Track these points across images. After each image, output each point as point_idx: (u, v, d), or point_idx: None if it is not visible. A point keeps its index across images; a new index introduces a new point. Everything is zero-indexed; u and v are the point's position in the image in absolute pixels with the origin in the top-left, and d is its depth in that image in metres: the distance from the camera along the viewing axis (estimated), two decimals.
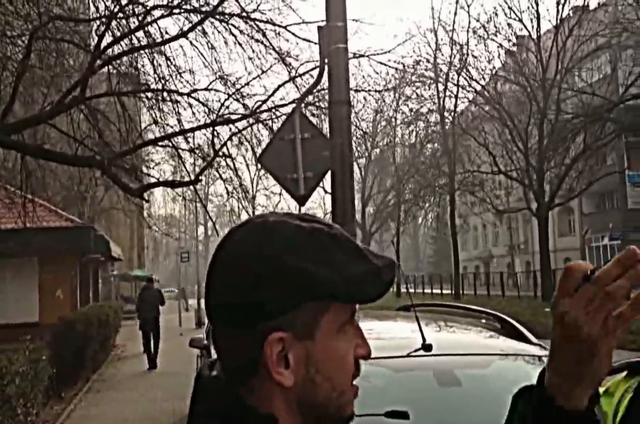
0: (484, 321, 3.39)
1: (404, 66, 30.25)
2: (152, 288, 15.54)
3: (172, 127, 11.81)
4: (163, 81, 11.21)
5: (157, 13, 10.71)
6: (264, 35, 10.83)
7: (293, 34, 10.71)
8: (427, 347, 2.45)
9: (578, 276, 0.78)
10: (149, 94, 11.52)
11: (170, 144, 11.77)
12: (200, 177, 11.25)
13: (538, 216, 29.25)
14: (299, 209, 7.61)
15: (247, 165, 27.55)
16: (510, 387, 2.76)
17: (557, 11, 29.64)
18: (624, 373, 1.14)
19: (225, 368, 0.86)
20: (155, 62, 11.18)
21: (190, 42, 11.24)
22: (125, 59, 11.19)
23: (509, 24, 31.05)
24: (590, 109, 26.54)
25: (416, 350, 2.48)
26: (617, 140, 28.70)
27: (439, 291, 41.53)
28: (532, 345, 2.84)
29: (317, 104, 11.18)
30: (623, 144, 31.93)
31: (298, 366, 0.82)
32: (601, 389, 1.14)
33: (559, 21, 29.35)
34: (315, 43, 6.02)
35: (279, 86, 10.80)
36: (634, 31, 26.00)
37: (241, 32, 10.94)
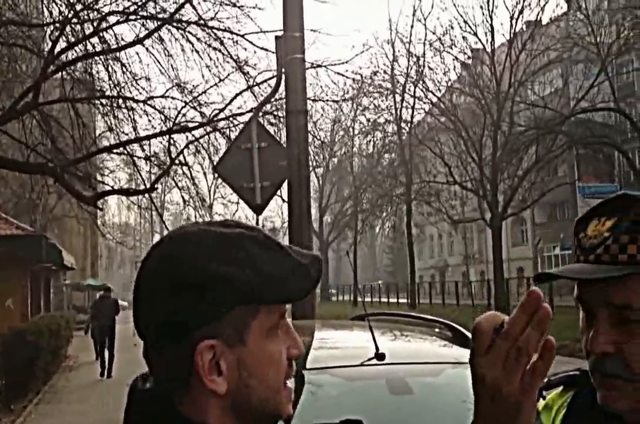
0: (437, 330, 3.43)
1: (361, 77, 30.53)
2: (109, 297, 15.64)
3: (127, 134, 11.69)
4: (118, 88, 11.11)
5: (112, 19, 10.62)
6: (222, 43, 10.83)
7: (251, 42, 10.74)
8: (380, 356, 2.47)
9: (489, 331, 0.75)
10: (104, 101, 11.40)
11: (126, 152, 11.64)
12: (156, 186, 11.16)
13: (492, 226, 29.75)
14: (257, 219, 7.59)
15: (205, 173, 27.35)
16: (461, 394, 2.81)
17: (511, 25, 30.36)
18: (561, 387, 1.17)
19: (158, 380, 0.85)
20: (110, 68, 11.07)
21: (147, 49, 11.17)
22: (79, 64, 11.06)
23: (464, 37, 31.65)
24: (542, 122, 27.16)
25: (369, 359, 2.50)
26: (568, 152, 29.41)
27: (395, 300, 41.79)
28: None
29: (274, 113, 11.21)
30: (574, 156, 32.71)
31: (231, 372, 0.82)
32: (541, 403, 1.16)
33: (512, 35, 30.02)
34: (273, 52, 6.03)
35: (237, 95, 10.81)
36: (585, 46, 26.77)
37: (198, 39, 10.92)
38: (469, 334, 2.62)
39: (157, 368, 0.85)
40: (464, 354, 2.86)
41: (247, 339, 0.83)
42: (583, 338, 1.02)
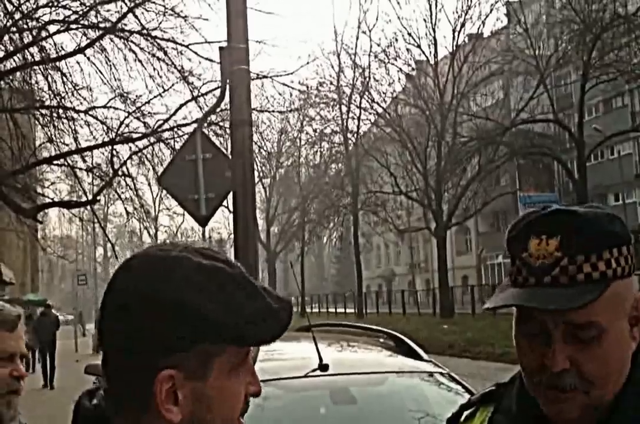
0: (381, 340, 3.46)
1: (307, 88, 30.72)
2: (50, 314, 16.39)
3: (68, 145, 11.45)
4: (59, 98, 10.88)
5: (52, 28, 10.43)
6: (166, 53, 10.75)
7: (195, 53, 10.69)
8: (323, 367, 2.48)
9: None
10: (44, 111, 11.15)
11: (66, 163, 11.40)
12: (98, 197, 10.96)
13: (436, 236, 30.19)
14: (202, 230, 7.49)
15: (149, 185, 27.04)
16: (403, 402, 2.84)
17: (453, 38, 31.05)
18: (477, 406, 1.18)
19: (114, 401, 0.85)
20: (50, 78, 10.85)
21: (88, 59, 11.00)
22: (18, 74, 10.79)
23: (408, 50, 32.19)
24: (484, 133, 27.79)
25: (313, 370, 2.51)
26: (509, 162, 30.14)
27: (342, 310, 41.90)
28: (424, 362, 2.93)
29: (220, 124, 11.16)
30: (515, 167, 33.55)
31: (187, 404, 0.83)
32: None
33: (454, 48, 30.69)
34: (218, 63, 6.02)
35: (181, 105, 10.73)
36: (524, 59, 27.55)
37: (142, 49, 10.81)
38: (412, 344, 2.66)
39: (116, 388, 0.85)
40: (407, 363, 2.91)
41: (208, 374, 0.83)
42: (527, 356, 1.02)
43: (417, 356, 2.96)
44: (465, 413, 1.19)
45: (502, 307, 1.02)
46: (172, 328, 0.81)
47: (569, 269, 0.98)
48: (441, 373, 2.84)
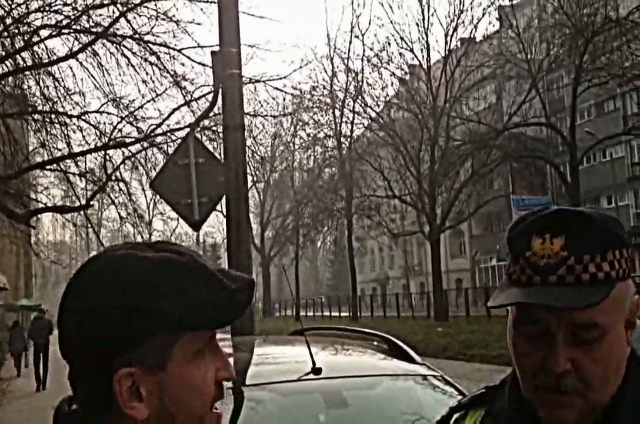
0: (375, 343, 3.47)
1: (300, 92, 30.71)
2: (43, 318, 17.40)
3: (60, 150, 11.44)
4: (51, 103, 10.87)
5: (44, 33, 10.41)
6: (158, 58, 10.75)
7: (188, 57, 10.70)
8: (316, 370, 2.48)
9: None
10: (36, 116, 11.13)
11: (59, 168, 11.38)
12: (91, 202, 10.93)
13: (430, 239, 30.23)
14: (197, 235, 7.49)
15: (143, 189, 26.99)
16: (397, 405, 2.84)
17: (446, 42, 31.13)
18: (467, 409, 1.17)
19: (81, 403, 0.86)
20: (42, 83, 10.83)
21: (81, 63, 10.99)
22: (10, 79, 10.77)
23: (400, 54, 32.25)
24: (477, 137, 27.85)
25: (306, 374, 2.51)
26: (502, 166, 30.22)
27: (337, 314, 41.88)
28: (417, 365, 2.93)
29: (213, 128, 11.16)
30: (508, 170, 33.64)
31: (151, 398, 0.83)
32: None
33: (447, 52, 30.78)
34: (210, 67, 6.02)
35: (174, 110, 10.74)
36: (516, 63, 27.64)
37: (134, 54, 10.81)
38: (406, 347, 2.66)
39: (80, 392, 0.85)
40: (401, 366, 2.91)
41: (167, 365, 0.83)
42: (525, 358, 1.01)
43: (410, 359, 2.96)
44: (455, 416, 1.19)
45: (508, 305, 1.02)
46: (120, 327, 0.81)
47: (576, 269, 0.98)
48: (434, 376, 2.84)
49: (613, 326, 0.99)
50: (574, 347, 0.98)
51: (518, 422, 1.06)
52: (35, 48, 10.47)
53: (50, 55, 10.63)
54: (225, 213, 5.84)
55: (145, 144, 11.21)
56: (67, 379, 0.86)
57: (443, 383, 2.79)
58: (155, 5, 10.61)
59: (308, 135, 38.76)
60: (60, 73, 11.13)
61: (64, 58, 10.56)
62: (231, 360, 0.91)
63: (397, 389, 2.83)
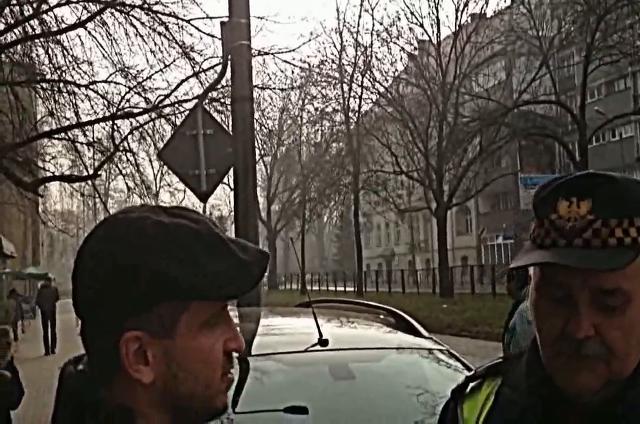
0: (381, 316, 3.48)
1: (309, 66, 30.48)
2: (50, 286, 18.24)
3: (68, 119, 11.40)
4: (59, 72, 10.82)
5: (53, 1, 10.32)
6: (167, 28, 10.66)
7: (197, 28, 10.60)
8: (323, 342, 2.49)
9: None
10: (45, 85, 11.08)
11: (67, 137, 11.37)
12: (99, 172, 10.93)
13: (437, 216, 30.20)
14: (203, 206, 7.51)
15: (150, 160, 26.97)
16: (402, 378, 2.86)
17: (456, 18, 30.72)
18: (483, 378, 1.16)
19: (91, 362, 0.86)
20: (51, 51, 10.77)
21: (89, 32, 10.91)
22: (19, 47, 10.70)
23: (410, 29, 31.90)
24: (486, 114, 27.62)
25: (313, 345, 2.52)
26: (510, 143, 30.02)
27: (342, 289, 42.10)
28: (423, 339, 2.95)
29: (221, 100, 11.09)
30: (516, 148, 33.43)
31: (158, 363, 0.83)
32: (466, 395, 1.17)
33: (457, 28, 30.39)
34: (219, 38, 5.96)
35: (182, 81, 10.67)
36: (527, 40, 27.29)
37: (142, 24, 10.72)
38: (413, 321, 2.66)
39: (90, 351, 0.86)
40: (407, 340, 2.92)
41: (175, 332, 0.83)
42: (547, 322, 0.99)
43: (416, 333, 2.97)
44: (471, 385, 1.17)
45: (530, 265, 1.00)
46: (130, 290, 0.81)
47: (602, 233, 0.95)
48: (440, 350, 2.86)
49: (638, 294, 0.96)
50: (597, 313, 0.96)
51: (536, 392, 1.05)
52: (44, 16, 10.40)
53: (58, 24, 10.56)
54: (232, 186, 5.84)
55: (153, 115, 11.17)
56: (79, 335, 0.87)
57: (449, 357, 2.81)
58: None
59: (316, 109, 38.57)
60: (68, 42, 11.08)
61: (73, 27, 10.47)
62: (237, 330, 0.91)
63: (403, 362, 2.85)
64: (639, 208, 0.97)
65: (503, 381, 1.13)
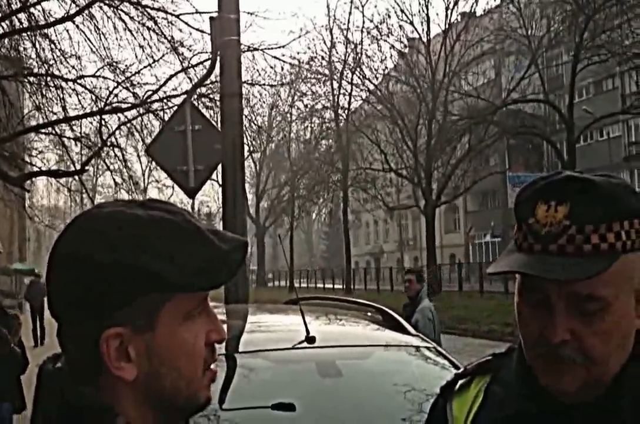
0: (369, 314, 3.48)
1: (299, 62, 30.42)
2: (38, 282, 18.71)
3: (56, 114, 11.33)
4: (47, 66, 10.73)
5: None
6: (156, 23, 10.61)
7: (186, 23, 10.56)
8: (310, 339, 2.48)
9: None
10: (32, 79, 10.99)
11: (54, 132, 11.28)
12: (86, 167, 10.87)
13: (425, 213, 30.27)
14: (192, 203, 7.47)
15: (138, 156, 26.85)
16: (390, 375, 2.86)
17: (446, 16, 30.76)
18: (472, 376, 1.16)
19: (71, 364, 0.84)
20: (38, 45, 10.67)
21: (77, 26, 10.83)
22: (6, 41, 10.61)
23: (400, 26, 31.90)
24: (475, 112, 27.70)
25: (300, 342, 2.51)
26: (499, 142, 30.13)
27: (331, 286, 42.12)
28: (411, 336, 2.94)
29: (210, 96, 11.05)
30: (504, 146, 33.55)
31: (140, 359, 0.81)
32: (455, 392, 1.16)
33: (447, 26, 30.44)
34: (209, 34, 5.93)
35: (171, 76, 10.63)
36: (516, 39, 27.38)
37: (131, 18, 10.66)
38: (400, 318, 2.66)
39: (69, 350, 0.84)
40: (394, 337, 2.91)
41: (156, 326, 0.81)
42: (528, 326, 0.99)
43: (404, 330, 2.97)
44: (460, 382, 1.17)
45: (504, 273, 0.99)
46: (108, 284, 0.79)
47: (576, 239, 0.94)
48: (428, 348, 2.85)
49: (617, 299, 0.96)
50: (574, 318, 0.96)
51: (524, 390, 1.05)
52: (32, 10, 10.30)
53: (46, 18, 10.47)
54: (221, 182, 5.82)
55: (142, 110, 11.12)
56: (56, 335, 0.85)
57: (436, 355, 2.80)
58: None
59: (305, 106, 38.53)
60: (56, 36, 10.99)
61: (61, 20, 10.40)
62: (224, 327, 0.89)
63: (390, 359, 2.84)
64: (618, 212, 0.96)
65: (492, 378, 1.13)
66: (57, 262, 0.83)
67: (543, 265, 0.94)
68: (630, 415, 0.98)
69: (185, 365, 0.83)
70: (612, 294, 0.95)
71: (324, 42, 35.57)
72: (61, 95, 10.99)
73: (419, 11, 38.90)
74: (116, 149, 11.83)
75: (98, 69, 11.36)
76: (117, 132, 11.48)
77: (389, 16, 31.90)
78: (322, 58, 35.13)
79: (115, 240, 0.80)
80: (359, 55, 33.24)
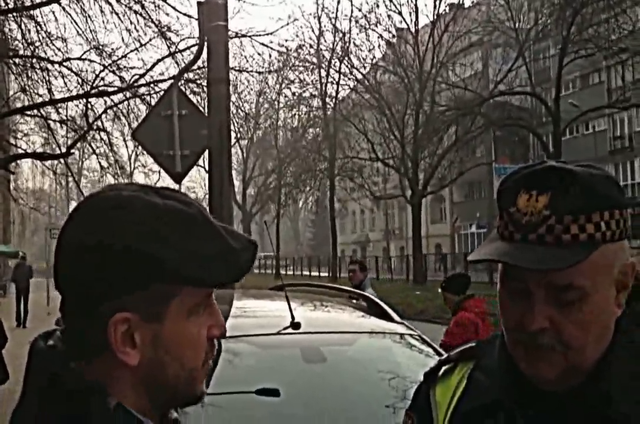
0: (354, 301, 3.48)
1: (287, 50, 30.27)
2: (24, 265, 19.23)
3: (41, 96, 11.19)
4: (32, 48, 10.58)
5: None
6: (143, 6, 10.50)
7: (173, 8, 10.46)
8: (295, 325, 2.49)
9: None
10: (17, 60, 10.85)
11: (40, 114, 11.15)
12: (72, 150, 10.77)
13: (412, 203, 30.35)
14: (179, 188, 7.42)
15: (125, 141, 26.65)
16: (374, 362, 2.87)
17: (435, 6, 30.67)
18: (456, 362, 1.17)
19: (69, 342, 0.84)
20: (24, 27, 10.52)
21: (63, 8, 10.68)
22: None
23: (389, 16, 31.84)
24: (462, 103, 27.71)
25: (285, 328, 2.52)
26: (485, 133, 30.21)
27: (317, 274, 42.20)
28: (395, 324, 2.96)
29: (197, 81, 10.98)
30: (491, 138, 33.65)
31: (145, 346, 0.82)
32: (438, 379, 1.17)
33: (435, 16, 30.38)
34: (196, 19, 5.88)
35: (158, 61, 10.53)
36: (504, 31, 27.39)
37: (118, 1, 10.55)
38: (385, 306, 2.67)
39: (72, 332, 0.84)
40: (379, 324, 2.93)
41: (164, 317, 0.82)
42: (508, 313, 1.01)
43: (388, 318, 2.98)
44: (444, 368, 1.18)
45: (483, 261, 1.00)
46: (122, 269, 0.79)
47: (555, 229, 0.95)
48: (412, 335, 2.87)
49: (596, 289, 0.96)
50: (553, 307, 0.97)
51: (507, 375, 1.06)
52: None
53: None
54: (207, 168, 5.79)
55: (128, 94, 11.02)
56: (59, 310, 0.84)
57: (420, 342, 2.82)
58: None
59: (293, 94, 38.36)
60: (42, 17, 10.84)
61: (47, 2, 10.25)
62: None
63: (374, 346, 2.86)
64: (598, 203, 0.96)
65: (475, 365, 1.13)
66: (71, 237, 0.83)
67: (522, 254, 0.95)
68: (620, 399, 0.99)
69: (188, 356, 0.85)
70: (591, 284, 0.96)
71: (312, 30, 35.56)
72: (47, 78, 10.88)
73: (408, 1, 38.75)
74: (102, 133, 11.75)
75: (84, 52, 11.27)
76: (104, 116, 11.39)
77: (378, 6, 31.85)
78: (310, 46, 35.02)
79: (133, 226, 0.80)
80: (347, 44, 33.15)
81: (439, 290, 5.56)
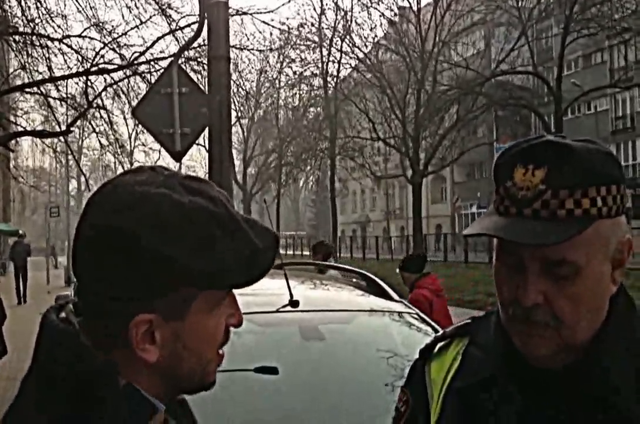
0: (353, 280, 3.50)
1: (288, 28, 30.00)
2: (22, 243, 19.42)
3: (41, 73, 11.13)
4: (32, 25, 10.49)
5: None
6: None
7: None
8: (294, 303, 2.50)
9: None
10: (17, 37, 10.76)
11: (40, 92, 11.09)
12: (71, 128, 10.72)
13: (412, 183, 30.31)
14: (179, 166, 7.40)
15: (125, 119, 26.54)
16: (372, 340, 2.89)
17: None
18: (452, 338, 1.18)
19: (90, 335, 0.84)
20: (24, 3, 10.41)
21: None
22: None
23: None
24: (464, 82, 27.53)
25: (284, 306, 2.53)
26: (487, 113, 30.04)
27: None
28: (394, 302, 2.97)
29: (198, 59, 10.90)
30: (492, 118, 33.47)
31: (165, 343, 0.83)
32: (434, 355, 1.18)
33: None
34: None
35: (158, 38, 10.44)
36: (507, 10, 27.10)
37: None
38: (384, 284, 2.68)
39: (92, 325, 0.84)
40: (378, 303, 2.94)
41: (186, 315, 0.83)
42: (503, 287, 1.01)
43: (387, 296, 2.99)
44: (439, 345, 1.19)
45: (477, 235, 1.01)
46: (148, 276, 0.79)
47: (551, 203, 0.94)
48: (410, 313, 2.88)
49: (590, 265, 0.96)
50: (547, 281, 0.96)
51: (501, 352, 1.06)
52: None
53: None
54: (207, 146, 5.77)
55: (128, 72, 10.95)
56: (74, 295, 0.85)
57: (419, 321, 2.83)
58: None
59: (294, 73, 38.07)
60: None
61: None
62: None
63: (373, 324, 2.87)
64: (595, 178, 0.96)
65: (470, 341, 1.14)
66: (92, 233, 0.82)
67: (516, 229, 0.95)
68: (614, 377, 0.99)
69: (205, 350, 0.86)
70: (585, 260, 0.96)
71: (314, 9, 35.26)
72: (47, 55, 10.80)
73: None
74: (102, 111, 11.69)
75: (84, 29, 11.16)
76: (104, 93, 11.33)
77: None
78: (312, 24, 34.68)
79: (164, 231, 0.79)
80: (349, 22, 32.82)
81: (397, 270, 5.60)
